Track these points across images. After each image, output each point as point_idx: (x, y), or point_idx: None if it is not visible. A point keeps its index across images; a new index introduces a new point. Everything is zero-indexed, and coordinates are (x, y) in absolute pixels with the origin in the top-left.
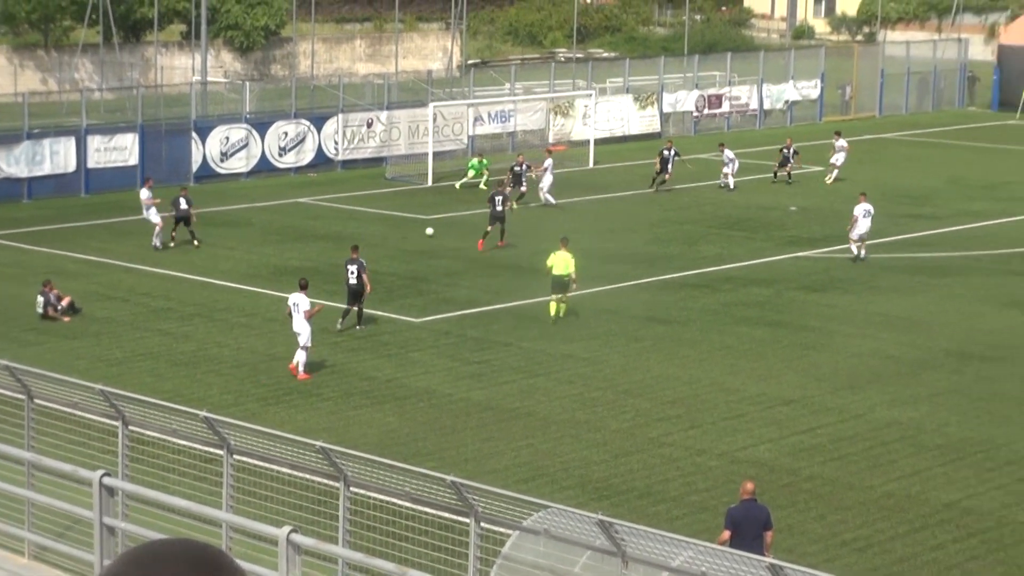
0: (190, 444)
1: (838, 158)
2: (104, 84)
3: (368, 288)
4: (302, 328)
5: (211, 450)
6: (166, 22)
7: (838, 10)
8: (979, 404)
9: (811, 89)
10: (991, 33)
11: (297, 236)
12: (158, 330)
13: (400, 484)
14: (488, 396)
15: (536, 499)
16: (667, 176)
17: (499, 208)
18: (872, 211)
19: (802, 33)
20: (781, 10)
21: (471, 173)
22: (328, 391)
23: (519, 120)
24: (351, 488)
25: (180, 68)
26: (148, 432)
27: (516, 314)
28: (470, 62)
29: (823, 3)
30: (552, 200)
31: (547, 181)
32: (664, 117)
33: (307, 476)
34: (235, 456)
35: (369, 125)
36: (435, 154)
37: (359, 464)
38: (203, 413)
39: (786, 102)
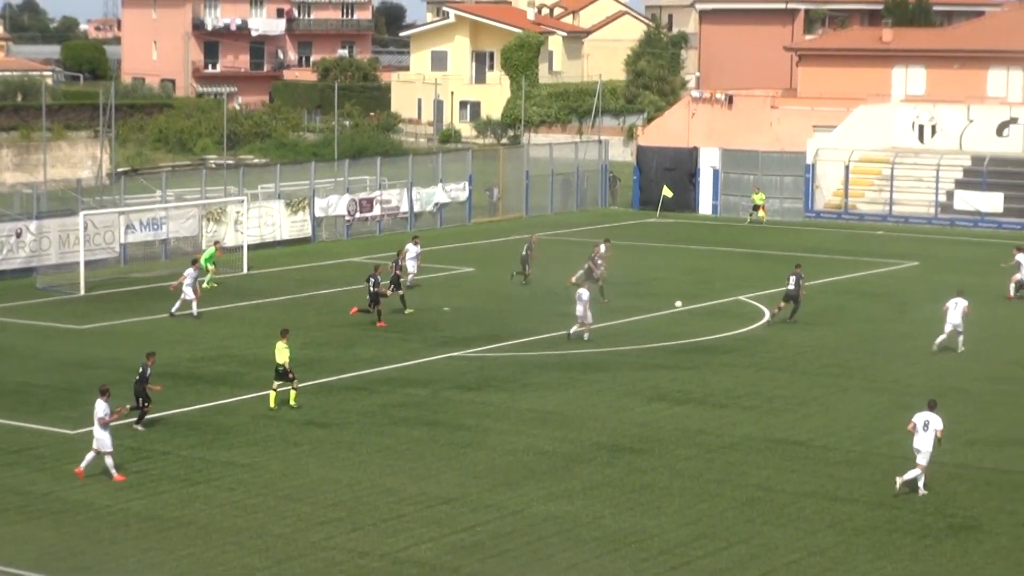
0: None
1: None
2: None
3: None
4: (100, 434)
5: None
6: None
7: (483, 114)
8: (631, 496)
9: (459, 191)
10: (629, 135)
11: None
12: None
13: None
14: (147, 506)
15: None
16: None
17: (373, 290)
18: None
19: (449, 137)
20: (428, 115)
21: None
22: None
23: (171, 227)
24: None
25: None
26: None
27: (173, 422)
28: (120, 170)
29: (468, 108)
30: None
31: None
32: (316, 221)
33: None
34: None
35: (18, 235)
36: (87, 263)
37: None
38: None
39: (436, 204)
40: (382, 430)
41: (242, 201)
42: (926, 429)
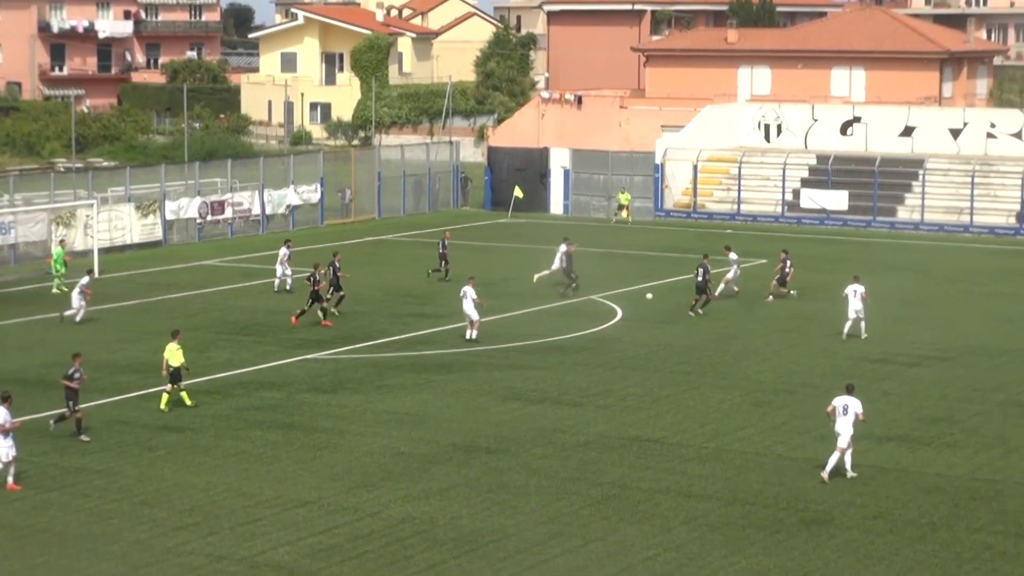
0: None
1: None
2: None
3: None
4: (3, 443)
5: None
6: None
7: (333, 116)
8: (488, 496)
9: (312, 193)
10: (480, 136)
11: None
12: None
13: None
14: (0, 514)
15: None
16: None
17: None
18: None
19: (300, 139)
20: (278, 116)
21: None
22: None
23: (20, 231)
24: None
25: None
26: None
27: (24, 429)
28: None
29: (319, 109)
30: None
31: None
32: (168, 224)
33: None
34: None
35: None
36: None
37: None
38: None
39: (288, 207)
40: (237, 434)
41: (92, 205)
42: (845, 413)
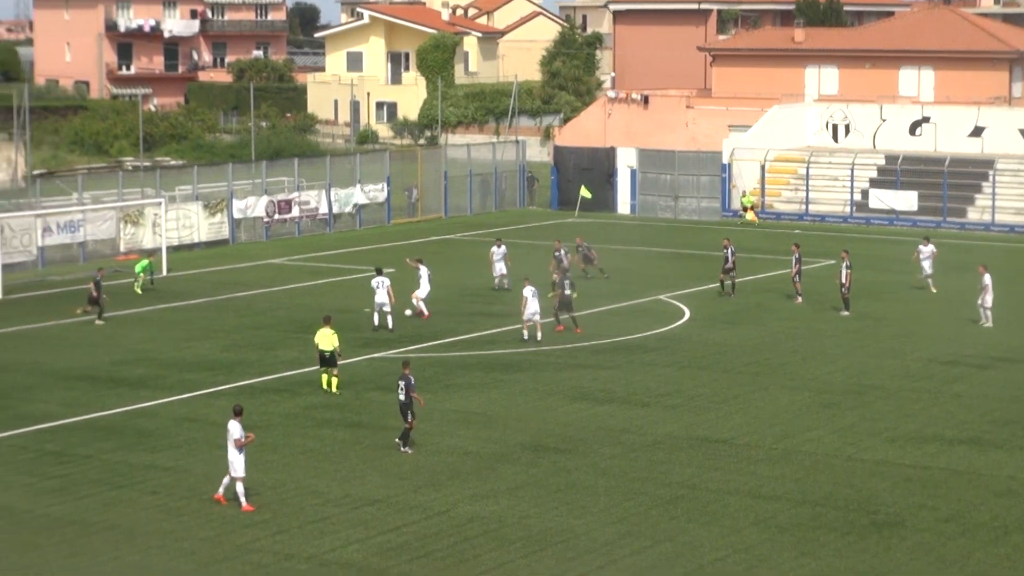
0: None
1: (500, 267)
2: None
3: None
4: (235, 459)
5: None
6: None
7: (399, 115)
8: (556, 495)
9: (378, 192)
10: (547, 135)
11: None
12: None
13: None
14: (70, 511)
15: None
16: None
17: None
18: (537, 292)
19: (366, 138)
20: (344, 116)
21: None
22: None
23: (89, 230)
24: None
25: None
26: None
27: (95, 426)
28: (36, 172)
29: (384, 108)
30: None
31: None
32: (235, 223)
33: None
34: None
35: None
36: (4, 266)
37: None
38: None
39: (355, 205)
40: (306, 432)
41: (160, 203)
42: None
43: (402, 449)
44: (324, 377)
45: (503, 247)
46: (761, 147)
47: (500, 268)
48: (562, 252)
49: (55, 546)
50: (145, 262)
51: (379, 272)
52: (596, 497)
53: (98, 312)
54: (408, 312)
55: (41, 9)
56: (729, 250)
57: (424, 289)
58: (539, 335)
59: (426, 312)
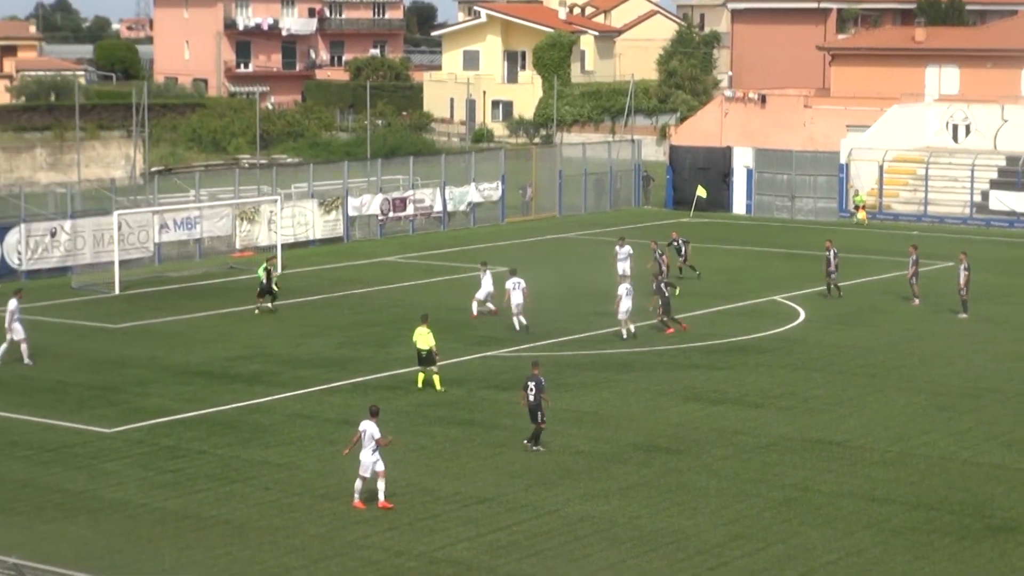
0: None
1: (624, 267)
2: None
3: None
4: (370, 457)
5: None
6: None
7: (515, 113)
8: (668, 496)
9: (492, 191)
10: (662, 134)
11: None
12: None
13: None
14: (184, 504)
15: None
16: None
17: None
18: (631, 290)
19: (481, 136)
20: (460, 114)
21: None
22: (20, 506)
23: (205, 227)
24: None
25: None
26: None
27: (209, 421)
28: (153, 169)
29: (500, 107)
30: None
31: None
32: (350, 221)
33: None
34: None
35: (53, 235)
36: (121, 262)
37: None
38: None
39: (469, 204)
40: (417, 429)
41: (275, 200)
42: None
43: (533, 448)
44: (420, 376)
45: (627, 247)
46: (879, 147)
47: (623, 268)
48: (658, 253)
49: (169, 540)
50: (264, 265)
51: (514, 273)
52: (708, 498)
53: (271, 299)
54: (483, 311)
55: (161, 8)
56: (831, 252)
57: (485, 290)
58: (632, 328)
59: (493, 308)
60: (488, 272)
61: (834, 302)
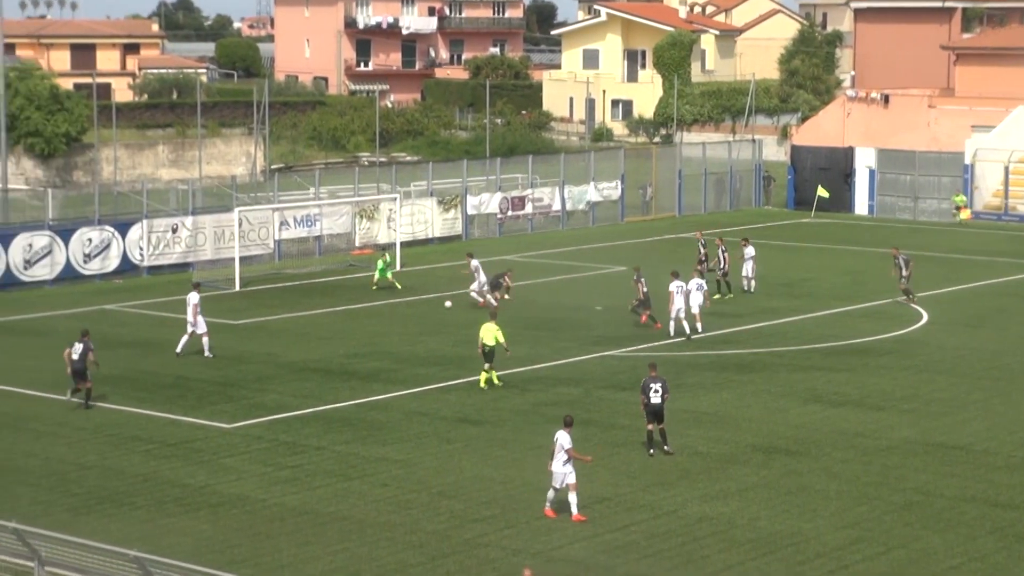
0: None
1: (749, 268)
2: None
3: (95, 366)
4: (563, 469)
5: (21, 562)
6: None
7: (635, 113)
8: (787, 498)
9: (612, 190)
10: (784, 134)
11: (104, 343)
12: None
13: None
14: (302, 500)
15: None
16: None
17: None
18: (684, 287)
19: (601, 135)
20: (579, 113)
21: (381, 274)
22: (140, 499)
23: (325, 224)
24: None
25: None
26: None
27: (327, 418)
28: (274, 167)
29: (620, 106)
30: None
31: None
32: (468, 219)
33: None
34: (47, 568)
35: (174, 231)
36: (241, 259)
37: (174, 573)
38: (12, 524)
39: (588, 203)
40: (535, 428)
41: (395, 199)
42: None
43: (665, 448)
44: (483, 376)
45: (751, 247)
46: (1005, 148)
47: (747, 269)
48: (714, 250)
49: (287, 535)
50: (382, 263)
51: (676, 275)
52: (828, 501)
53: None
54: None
55: (282, 6)
56: (900, 258)
57: (477, 281)
58: (699, 326)
59: (488, 301)
60: (477, 263)
61: (961, 304)
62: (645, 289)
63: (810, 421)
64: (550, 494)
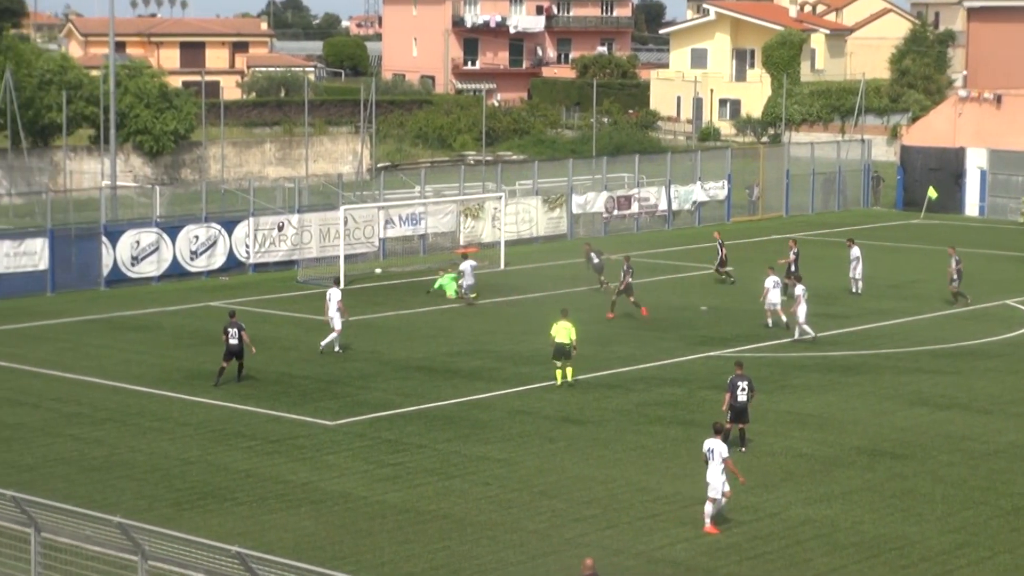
0: (104, 551)
1: (855, 269)
2: (13, 189)
3: (251, 350)
4: (719, 477)
5: (126, 556)
6: (75, 127)
7: (743, 112)
8: (892, 501)
9: (718, 190)
10: (893, 134)
11: (209, 340)
12: (70, 435)
13: None
14: (403, 498)
15: None
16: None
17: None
18: (780, 282)
19: (708, 135)
20: (687, 112)
21: (448, 291)
22: (243, 495)
23: (430, 223)
24: None
25: (89, 173)
26: (61, 539)
27: (429, 416)
28: (380, 165)
29: (728, 105)
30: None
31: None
32: (574, 218)
33: None
34: (150, 562)
35: (280, 228)
36: (346, 257)
37: (275, 569)
38: (117, 519)
39: (694, 203)
40: (638, 428)
41: (500, 197)
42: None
43: (741, 450)
44: (558, 373)
45: (856, 248)
46: None
47: (853, 270)
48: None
49: (388, 532)
50: (449, 277)
51: (772, 271)
52: (933, 505)
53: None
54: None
55: (390, 5)
56: (954, 259)
57: (466, 282)
58: (783, 319)
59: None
60: (468, 262)
61: None
62: (629, 280)
63: (916, 424)
64: (708, 508)
